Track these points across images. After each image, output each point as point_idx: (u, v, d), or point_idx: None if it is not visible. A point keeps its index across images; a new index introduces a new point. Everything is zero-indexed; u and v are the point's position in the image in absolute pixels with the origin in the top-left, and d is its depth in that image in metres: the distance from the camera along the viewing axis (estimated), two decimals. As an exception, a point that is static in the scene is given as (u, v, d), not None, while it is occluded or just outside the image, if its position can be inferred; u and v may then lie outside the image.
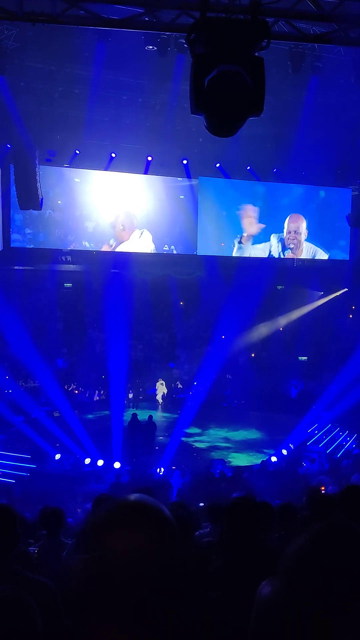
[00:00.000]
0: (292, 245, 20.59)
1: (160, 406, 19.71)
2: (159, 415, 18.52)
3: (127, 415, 18.81)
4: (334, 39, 7.76)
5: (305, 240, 20.70)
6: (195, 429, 18.49)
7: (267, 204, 20.19)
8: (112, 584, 1.18)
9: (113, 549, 1.20)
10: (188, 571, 2.42)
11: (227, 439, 17.82)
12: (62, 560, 4.43)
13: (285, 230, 20.57)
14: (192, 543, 2.93)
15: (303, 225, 20.48)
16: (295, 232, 20.56)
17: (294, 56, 12.85)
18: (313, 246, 20.80)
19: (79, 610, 1.25)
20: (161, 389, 20.56)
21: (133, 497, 1.30)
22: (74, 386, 20.02)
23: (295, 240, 20.60)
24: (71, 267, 21.25)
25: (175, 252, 19.77)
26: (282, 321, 23.63)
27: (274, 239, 20.53)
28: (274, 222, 20.45)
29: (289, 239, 20.53)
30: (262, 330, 23.25)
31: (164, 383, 20.67)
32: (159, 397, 20.43)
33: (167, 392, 20.74)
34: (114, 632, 1.19)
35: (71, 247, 19.68)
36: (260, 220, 20.25)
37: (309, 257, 20.97)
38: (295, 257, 21.01)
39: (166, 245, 19.44)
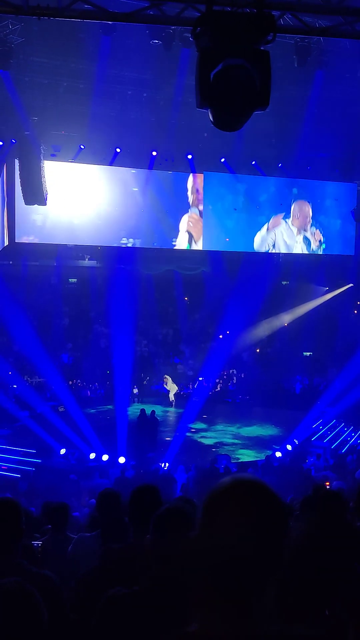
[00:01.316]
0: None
1: (170, 402, 19.50)
2: (162, 410, 18.49)
3: (131, 411, 18.87)
4: (341, 32, 7.71)
5: (311, 225, 20.53)
6: (201, 425, 18.51)
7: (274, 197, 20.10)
8: (219, 564, 1.21)
9: (224, 527, 1.23)
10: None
11: (233, 435, 17.82)
12: (68, 554, 4.45)
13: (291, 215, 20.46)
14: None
15: (308, 208, 20.35)
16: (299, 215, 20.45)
17: (299, 50, 12.77)
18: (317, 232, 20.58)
19: (89, 603, 1.26)
20: (172, 387, 20.02)
21: (246, 476, 1.32)
22: (77, 381, 19.99)
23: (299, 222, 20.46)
24: (86, 262, 21.26)
25: (136, 245, 19.48)
26: (287, 317, 23.58)
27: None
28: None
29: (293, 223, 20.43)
30: (267, 326, 23.22)
31: (170, 380, 20.30)
32: (171, 395, 19.88)
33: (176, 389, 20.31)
34: (222, 606, 1.22)
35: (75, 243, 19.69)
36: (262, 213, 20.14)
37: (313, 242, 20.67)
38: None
39: (124, 239, 19.24)
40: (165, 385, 20.13)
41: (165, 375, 20.24)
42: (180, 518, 2.36)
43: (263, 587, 1.24)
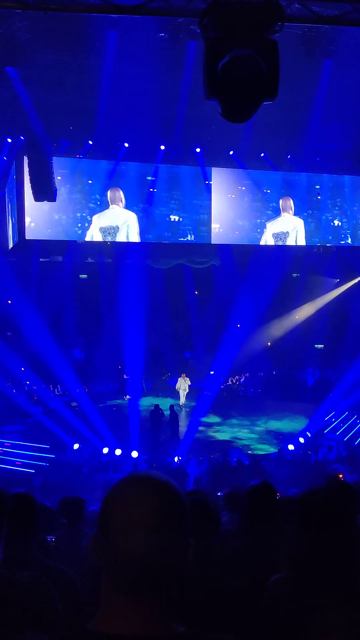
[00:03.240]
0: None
1: (180, 399, 19.39)
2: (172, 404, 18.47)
3: (143, 405, 18.91)
4: (349, 20, 7.62)
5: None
6: (215, 419, 18.52)
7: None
8: (120, 557, 1.19)
9: (120, 522, 1.20)
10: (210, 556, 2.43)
11: (247, 429, 17.80)
12: (82, 548, 4.47)
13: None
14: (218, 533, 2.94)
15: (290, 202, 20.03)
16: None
17: (307, 40, 12.65)
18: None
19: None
20: (183, 384, 19.77)
21: (141, 471, 1.31)
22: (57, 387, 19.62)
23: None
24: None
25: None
26: (302, 313, 23.47)
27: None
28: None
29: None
30: (281, 324, 23.16)
31: (186, 378, 19.94)
32: (182, 399, 19.54)
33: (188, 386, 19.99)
34: (122, 605, 1.21)
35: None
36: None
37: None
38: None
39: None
40: (177, 386, 19.80)
41: (183, 375, 19.94)
42: (200, 510, 2.36)
43: (165, 587, 1.21)
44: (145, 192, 18.52)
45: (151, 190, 18.37)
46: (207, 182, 18.81)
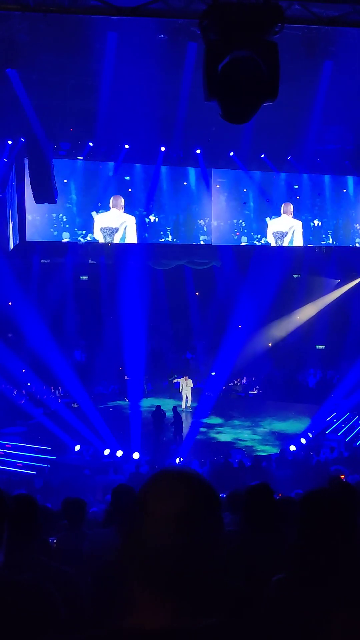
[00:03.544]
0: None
1: (182, 402, 19.31)
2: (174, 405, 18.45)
3: (144, 406, 18.89)
4: (349, 21, 7.63)
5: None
6: (216, 420, 18.51)
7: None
8: (152, 551, 1.20)
9: (152, 516, 1.21)
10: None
11: (249, 430, 17.79)
12: (84, 550, 4.46)
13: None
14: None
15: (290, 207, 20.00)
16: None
17: (307, 41, 12.63)
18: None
19: (107, 598, 1.27)
20: (185, 386, 19.61)
21: (172, 467, 1.31)
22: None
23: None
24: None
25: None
26: (303, 315, 23.44)
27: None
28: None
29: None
30: (284, 325, 23.14)
31: (189, 380, 19.77)
32: (183, 402, 19.35)
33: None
34: (155, 600, 1.21)
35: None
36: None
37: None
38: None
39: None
40: (180, 388, 19.67)
41: (186, 377, 19.82)
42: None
43: (198, 579, 1.21)
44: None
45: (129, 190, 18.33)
46: (184, 183, 18.72)
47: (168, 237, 18.83)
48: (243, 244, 19.42)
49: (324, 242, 20.15)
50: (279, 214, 19.44)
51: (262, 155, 18.49)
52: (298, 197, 19.49)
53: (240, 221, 19.27)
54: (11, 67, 13.08)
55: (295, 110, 15.73)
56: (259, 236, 19.37)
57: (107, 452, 14.62)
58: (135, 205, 18.52)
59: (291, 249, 20.38)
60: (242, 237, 19.29)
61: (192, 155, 18.27)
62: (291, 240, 19.67)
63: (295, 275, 23.11)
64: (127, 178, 18.31)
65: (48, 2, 6.29)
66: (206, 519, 1.23)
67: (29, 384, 18.69)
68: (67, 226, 17.79)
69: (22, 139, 16.38)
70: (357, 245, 20.19)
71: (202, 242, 19.19)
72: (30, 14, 8.31)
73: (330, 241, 20.15)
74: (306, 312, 23.46)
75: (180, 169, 18.75)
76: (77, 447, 14.95)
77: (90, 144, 17.32)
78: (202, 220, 19.02)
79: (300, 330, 23.10)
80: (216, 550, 1.24)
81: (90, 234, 18.04)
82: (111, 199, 18.13)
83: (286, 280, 21.43)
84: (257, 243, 19.43)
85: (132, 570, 1.24)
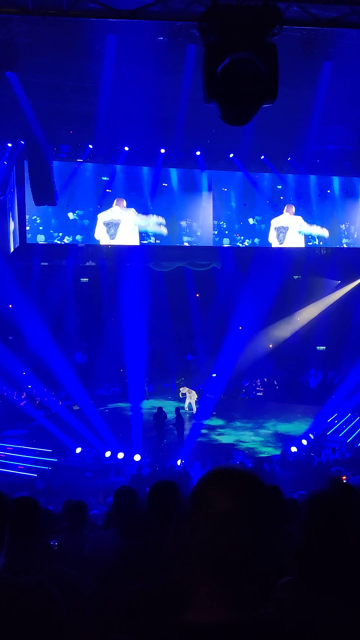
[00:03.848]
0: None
1: (186, 405, 19.17)
2: (174, 407, 18.40)
3: (145, 408, 18.88)
4: (348, 22, 7.64)
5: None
6: (218, 421, 18.50)
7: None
8: (218, 546, 1.26)
9: (217, 513, 1.28)
10: None
11: (251, 431, 17.78)
12: (86, 552, 4.46)
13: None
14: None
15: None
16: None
17: (305, 42, 12.65)
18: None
19: (110, 600, 1.29)
20: (189, 399, 19.33)
21: (227, 466, 1.41)
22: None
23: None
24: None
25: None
26: (305, 316, 23.41)
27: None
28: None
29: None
30: (284, 327, 23.14)
31: (190, 391, 19.52)
32: (186, 406, 19.08)
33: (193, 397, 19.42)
34: (217, 593, 1.28)
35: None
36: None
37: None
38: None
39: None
40: (185, 397, 19.43)
41: (188, 389, 19.66)
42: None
43: (258, 572, 1.29)
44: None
45: (107, 190, 18.29)
46: (164, 184, 18.66)
47: (151, 239, 18.80)
48: (225, 245, 19.36)
49: (311, 243, 20.00)
50: (263, 215, 19.37)
51: (262, 157, 18.50)
52: (282, 198, 19.42)
53: (222, 222, 19.23)
54: (11, 70, 13.09)
55: (295, 111, 15.76)
56: (242, 237, 19.36)
57: (108, 454, 14.62)
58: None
59: (291, 250, 20.39)
60: (224, 239, 19.26)
61: (192, 157, 18.28)
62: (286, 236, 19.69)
63: (295, 277, 23.10)
64: (105, 178, 18.20)
65: (47, 5, 6.31)
66: (265, 515, 1.31)
67: (29, 386, 18.69)
68: (41, 228, 17.70)
69: (22, 142, 16.40)
70: (345, 246, 20.15)
71: (185, 244, 19.15)
72: (29, 17, 8.34)
73: (317, 242, 20.05)
74: (308, 313, 23.45)
75: (165, 170, 18.64)
76: (78, 450, 14.94)
77: (90, 146, 17.33)
78: (184, 222, 18.95)
79: (300, 332, 23.10)
80: (272, 544, 1.32)
81: (68, 236, 17.97)
82: (115, 200, 18.16)
83: (286, 282, 21.42)
84: (240, 245, 19.41)
85: (197, 564, 1.29)
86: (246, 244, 19.45)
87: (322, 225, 19.83)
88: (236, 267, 20.88)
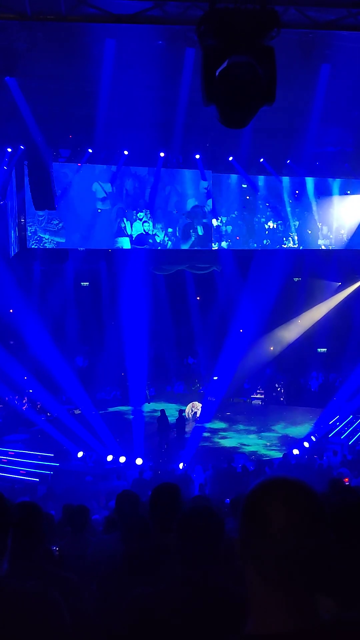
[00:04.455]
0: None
1: (188, 422, 18.73)
2: (176, 410, 18.36)
3: (146, 412, 18.85)
4: (345, 25, 7.66)
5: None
6: (220, 424, 18.47)
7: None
8: (280, 555, 1.28)
9: (277, 523, 1.29)
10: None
11: (253, 434, 17.75)
12: (88, 557, 4.45)
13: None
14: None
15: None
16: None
17: (303, 45, 12.67)
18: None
19: (112, 604, 1.28)
20: (193, 409, 19.14)
21: (281, 475, 1.42)
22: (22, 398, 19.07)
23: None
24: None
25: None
26: (306, 318, 23.39)
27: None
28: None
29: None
30: (287, 331, 23.12)
31: (196, 405, 19.22)
32: (189, 411, 18.91)
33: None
34: (279, 603, 1.29)
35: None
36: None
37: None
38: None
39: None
40: (187, 414, 19.03)
41: (194, 403, 19.39)
42: (207, 517, 2.36)
43: (316, 581, 1.31)
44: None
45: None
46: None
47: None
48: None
49: (286, 245, 19.87)
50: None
51: (262, 160, 18.53)
52: (248, 197, 19.37)
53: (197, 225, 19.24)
54: (10, 75, 13.14)
55: (293, 114, 15.77)
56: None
57: (110, 458, 14.60)
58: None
59: (291, 252, 20.40)
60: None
61: (192, 160, 18.31)
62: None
63: (295, 279, 23.10)
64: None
65: (46, 11, 6.33)
66: (322, 524, 1.33)
67: (31, 390, 18.69)
68: (69, 232, 17.80)
69: (22, 147, 16.43)
70: (323, 247, 20.10)
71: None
72: (28, 23, 8.36)
73: (292, 244, 19.91)
74: (311, 316, 23.42)
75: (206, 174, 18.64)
76: (80, 454, 14.92)
77: (90, 150, 17.36)
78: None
79: (302, 334, 23.09)
80: (329, 552, 1.33)
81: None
82: None
83: (287, 284, 21.42)
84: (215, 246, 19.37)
85: (257, 575, 1.30)
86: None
87: (296, 226, 19.79)
88: (236, 270, 20.89)
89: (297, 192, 19.56)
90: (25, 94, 14.18)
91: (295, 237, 19.80)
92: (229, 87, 4.80)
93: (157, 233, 18.82)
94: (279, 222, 19.58)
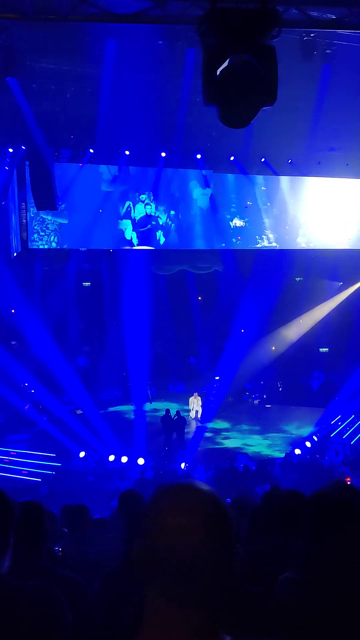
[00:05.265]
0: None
1: (192, 420, 18.78)
2: (177, 409, 18.33)
3: (148, 412, 18.85)
4: (346, 24, 7.66)
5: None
6: (223, 424, 18.46)
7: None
8: (170, 566, 1.18)
9: (169, 532, 1.20)
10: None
11: (256, 434, 17.73)
12: (90, 556, 4.45)
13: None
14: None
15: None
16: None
17: (304, 45, 12.68)
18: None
19: (115, 604, 1.27)
20: (195, 404, 19.06)
21: (184, 482, 1.30)
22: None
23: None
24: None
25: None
26: (308, 317, 23.34)
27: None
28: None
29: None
30: (290, 331, 23.09)
31: (199, 398, 19.23)
32: (192, 414, 18.82)
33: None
34: (170, 616, 1.20)
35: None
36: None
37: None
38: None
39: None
40: (190, 406, 19.15)
41: (195, 394, 19.38)
42: None
43: (213, 596, 1.20)
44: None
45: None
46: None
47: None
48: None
49: (259, 245, 19.62)
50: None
51: (263, 159, 18.52)
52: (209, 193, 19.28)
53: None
54: (11, 75, 13.13)
55: (294, 113, 15.76)
56: None
57: (112, 458, 14.60)
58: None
59: (293, 252, 20.39)
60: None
61: (193, 159, 18.31)
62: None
63: (297, 279, 23.08)
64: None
65: (47, 10, 6.33)
66: (222, 535, 1.22)
67: (33, 391, 18.70)
68: (71, 233, 17.82)
69: (23, 147, 16.43)
70: (303, 245, 19.91)
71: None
72: (29, 23, 8.37)
73: (266, 243, 19.65)
74: (313, 316, 23.39)
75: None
76: (82, 454, 14.93)
77: (91, 150, 17.37)
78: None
79: (304, 334, 23.07)
80: (231, 566, 1.23)
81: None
82: None
83: (288, 284, 21.41)
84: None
85: (149, 584, 1.22)
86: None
87: (274, 227, 19.69)
88: (238, 269, 20.89)
89: (263, 188, 19.29)
90: (26, 94, 14.20)
91: (271, 236, 19.63)
92: (230, 87, 4.80)
93: (160, 215, 18.81)
94: (246, 219, 19.43)
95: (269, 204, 19.55)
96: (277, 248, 19.86)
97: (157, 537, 1.21)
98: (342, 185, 19.81)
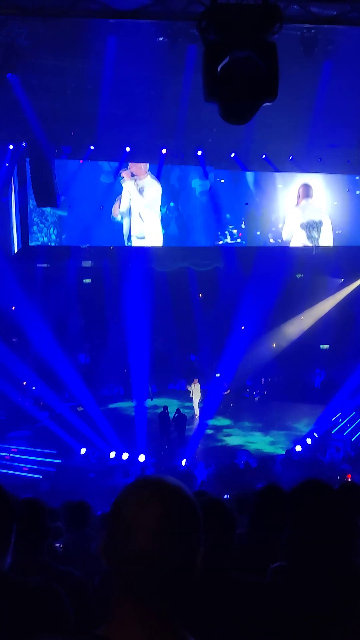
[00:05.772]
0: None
1: (195, 409, 18.89)
2: (177, 406, 18.32)
3: (148, 409, 18.86)
4: (348, 19, 7.63)
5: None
6: (224, 421, 18.47)
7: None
8: (124, 558, 1.19)
9: (125, 524, 1.20)
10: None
11: (257, 431, 17.74)
12: (91, 552, 4.46)
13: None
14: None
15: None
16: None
17: (305, 41, 12.65)
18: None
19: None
20: (195, 391, 19.12)
21: (153, 476, 1.31)
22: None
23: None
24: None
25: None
26: (310, 314, 23.31)
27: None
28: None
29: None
30: (291, 328, 23.08)
31: (198, 385, 19.20)
32: (195, 404, 18.88)
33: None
34: (129, 610, 1.20)
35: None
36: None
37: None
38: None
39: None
40: (190, 390, 19.27)
41: (195, 380, 19.38)
42: (215, 509, 2.38)
43: (170, 591, 1.19)
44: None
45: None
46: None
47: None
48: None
49: (222, 242, 19.64)
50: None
51: (263, 156, 18.49)
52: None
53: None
54: (12, 72, 13.12)
55: (295, 110, 15.73)
56: None
57: (112, 454, 14.62)
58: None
59: (294, 249, 20.37)
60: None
61: (194, 156, 18.29)
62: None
63: (298, 275, 23.06)
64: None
65: (47, 6, 6.32)
66: (182, 530, 1.20)
67: (33, 387, 18.72)
68: (72, 230, 17.82)
69: (24, 144, 16.43)
70: (272, 240, 19.84)
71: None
72: (30, 19, 8.35)
73: (230, 240, 19.68)
74: (314, 313, 23.37)
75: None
76: (83, 450, 14.95)
77: (92, 147, 17.35)
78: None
79: (304, 330, 23.06)
80: (192, 563, 1.22)
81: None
82: None
83: (289, 281, 21.39)
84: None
85: (112, 577, 1.22)
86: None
87: (240, 223, 19.61)
88: (239, 266, 20.87)
89: (222, 180, 19.18)
90: (26, 90, 14.19)
91: (235, 232, 19.52)
92: (231, 83, 4.79)
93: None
94: (246, 215, 19.36)
95: (268, 201, 19.52)
96: (277, 245, 19.84)
97: (115, 529, 1.21)
98: (343, 182, 19.78)
